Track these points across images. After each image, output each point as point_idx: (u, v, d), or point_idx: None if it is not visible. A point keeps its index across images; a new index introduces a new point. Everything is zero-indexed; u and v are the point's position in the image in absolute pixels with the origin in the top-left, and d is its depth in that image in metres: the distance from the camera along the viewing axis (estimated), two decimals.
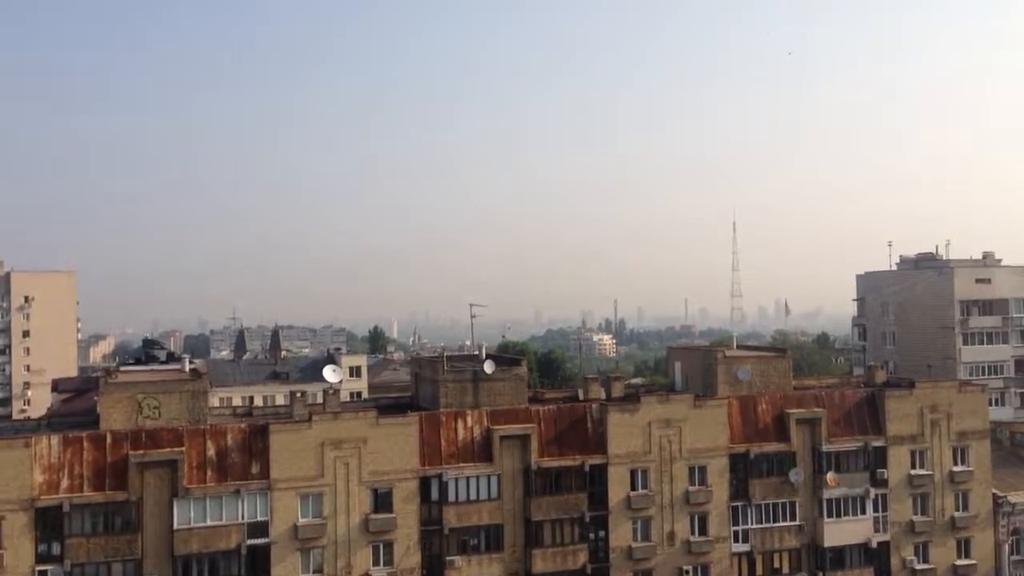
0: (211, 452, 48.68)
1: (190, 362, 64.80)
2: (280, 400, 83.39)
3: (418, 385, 61.94)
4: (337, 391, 57.72)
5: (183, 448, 47.95)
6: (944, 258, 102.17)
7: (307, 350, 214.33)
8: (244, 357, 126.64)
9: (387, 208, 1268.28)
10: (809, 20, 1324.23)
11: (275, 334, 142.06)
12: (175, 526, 47.28)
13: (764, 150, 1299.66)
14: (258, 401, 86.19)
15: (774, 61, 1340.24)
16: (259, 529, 48.58)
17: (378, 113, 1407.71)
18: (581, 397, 58.62)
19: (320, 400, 56.69)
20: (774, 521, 56.72)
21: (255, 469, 48.88)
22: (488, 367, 56.00)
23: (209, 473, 48.40)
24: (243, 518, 48.39)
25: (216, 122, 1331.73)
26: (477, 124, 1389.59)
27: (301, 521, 49.17)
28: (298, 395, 55.56)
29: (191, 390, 51.15)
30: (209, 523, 47.82)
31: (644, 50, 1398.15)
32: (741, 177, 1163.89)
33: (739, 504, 56.02)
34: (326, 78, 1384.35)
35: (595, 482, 53.59)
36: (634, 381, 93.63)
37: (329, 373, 63.19)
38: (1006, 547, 61.24)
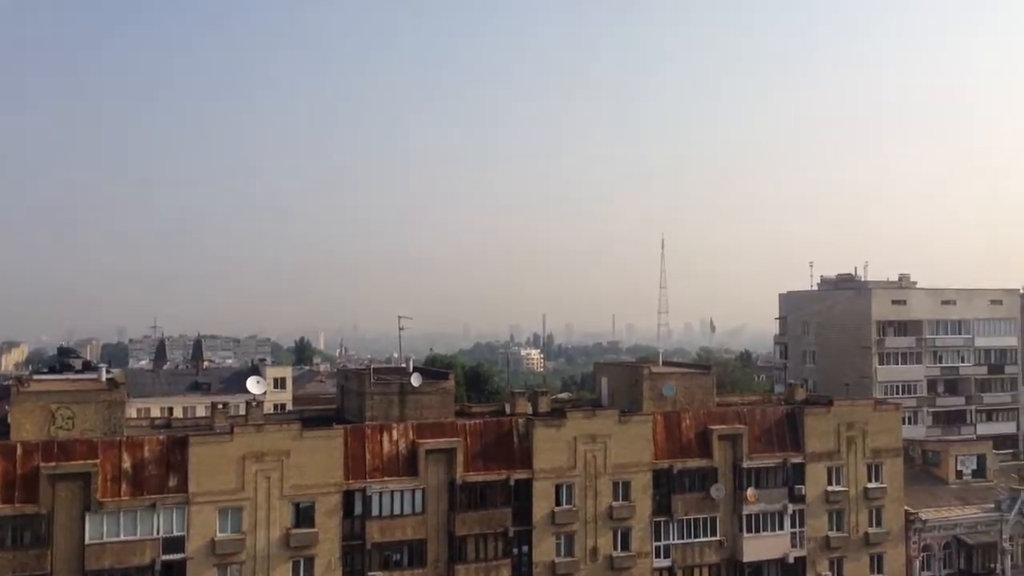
0: (127, 465, 47.37)
1: (107, 371, 63.10)
2: (201, 412, 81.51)
3: (344, 398, 61.30)
4: (260, 403, 56.68)
5: (97, 460, 46.54)
6: (862, 279, 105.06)
7: (230, 361, 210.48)
8: (164, 367, 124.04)
9: (316, 218, 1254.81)
10: (732, 49, 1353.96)
11: (197, 344, 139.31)
12: (87, 541, 45.84)
13: (693, 168, 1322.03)
14: (178, 413, 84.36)
15: (704, 81, 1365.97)
16: (175, 544, 47.35)
17: (335, 121, 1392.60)
18: (508, 412, 58.60)
19: (243, 412, 55.60)
20: (695, 536, 57.42)
21: (172, 482, 47.71)
22: (415, 380, 55.71)
23: (124, 486, 47.07)
24: (158, 533, 47.16)
25: (131, 122, 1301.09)
26: (412, 141, 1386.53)
27: (219, 536, 48.11)
28: (220, 407, 54.35)
29: (107, 400, 49.85)
30: (123, 538, 46.46)
31: (585, 67, 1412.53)
32: (669, 194, 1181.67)
33: (661, 519, 56.59)
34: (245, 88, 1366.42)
35: (520, 497, 53.60)
36: (561, 396, 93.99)
37: (252, 384, 62.09)
38: (917, 563, 63.03)
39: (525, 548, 53.64)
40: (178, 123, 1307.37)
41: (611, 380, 65.47)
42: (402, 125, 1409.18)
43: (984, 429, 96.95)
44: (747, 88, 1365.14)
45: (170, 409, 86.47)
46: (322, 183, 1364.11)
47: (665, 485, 56.71)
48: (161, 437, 49.30)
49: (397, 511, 51.47)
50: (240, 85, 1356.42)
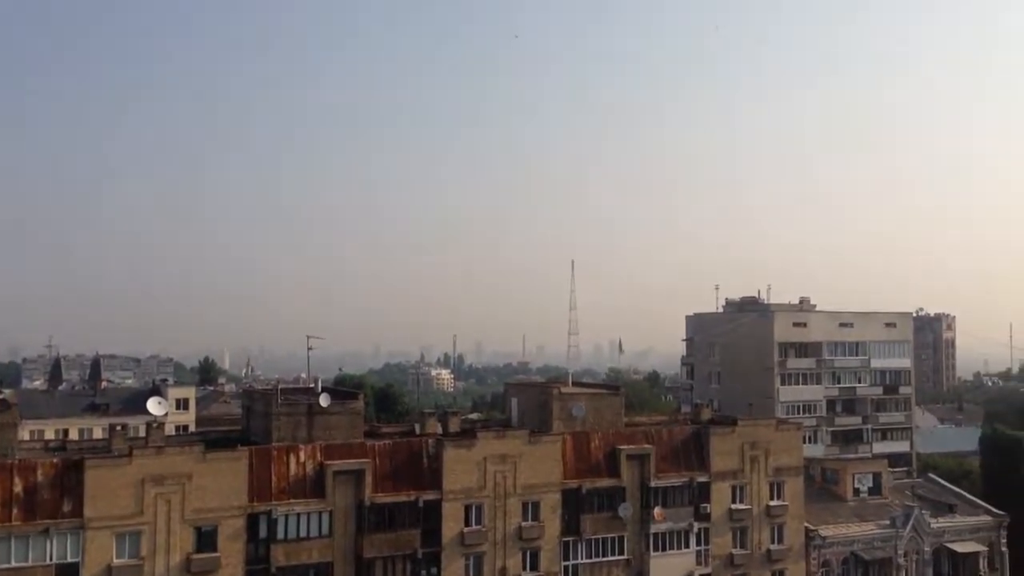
0: (18, 488, 45.38)
1: None
2: (99, 434, 78.94)
3: (250, 418, 60.03)
4: (161, 424, 55.26)
5: None
6: (765, 302, 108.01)
7: (130, 381, 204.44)
8: (59, 388, 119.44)
9: (215, 239, 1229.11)
10: (668, 78, 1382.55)
11: (95, 363, 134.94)
12: None
13: (602, 191, 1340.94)
14: (74, 434, 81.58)
15: (611, 99, 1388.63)
16: (69, 571, 45.50)
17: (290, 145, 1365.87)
18: (418, 432, 58.30)
19: (143, 434, 53.96)
20: (603, 555, 57.84)
21: (67, 507, 45.91)
22: (323, 400, 54.92)
23: (15, 511, 45.09)
24: (52, 559, 45.28)
25: (21, 148, 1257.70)
26: (318, 167, 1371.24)
27: (116, 562, 46.43)
28: (118, 428, 52.69)
29: None
30: (14, 564, 44.45)
31: (490, 87, 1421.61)
32: (580, 215, 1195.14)
33: (570, 539, 56.85)
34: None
35: (429, 518, 53.21)
36: (471, 416, 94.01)
37: (153, 405, 60.42)
38: None
39: (434, 570, 53.19)
40: (70, 129, 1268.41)
41: (521, 400, 65.70)
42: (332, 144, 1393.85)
43: (880, 448, 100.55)
44: (654, 108, 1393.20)
45: (65, 431, 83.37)
46: (229, 195, 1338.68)
47: (574, 505, 57.02)
48: (55, 460, 47.49)
49: (303, 534, 50.50)
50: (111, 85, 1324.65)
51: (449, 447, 54.40)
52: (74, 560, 45.67)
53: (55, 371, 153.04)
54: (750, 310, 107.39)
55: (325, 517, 51.06)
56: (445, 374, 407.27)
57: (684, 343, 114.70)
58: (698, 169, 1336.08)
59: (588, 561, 57.37)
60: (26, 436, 73.15)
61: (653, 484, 58.91)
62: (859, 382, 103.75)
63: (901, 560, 67.01)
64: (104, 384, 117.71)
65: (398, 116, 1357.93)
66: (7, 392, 70.41)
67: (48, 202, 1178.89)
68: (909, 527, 67.54)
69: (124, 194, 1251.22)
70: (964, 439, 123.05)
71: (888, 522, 67.95)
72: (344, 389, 71.94)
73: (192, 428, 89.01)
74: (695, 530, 60.06)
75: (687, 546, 59.87)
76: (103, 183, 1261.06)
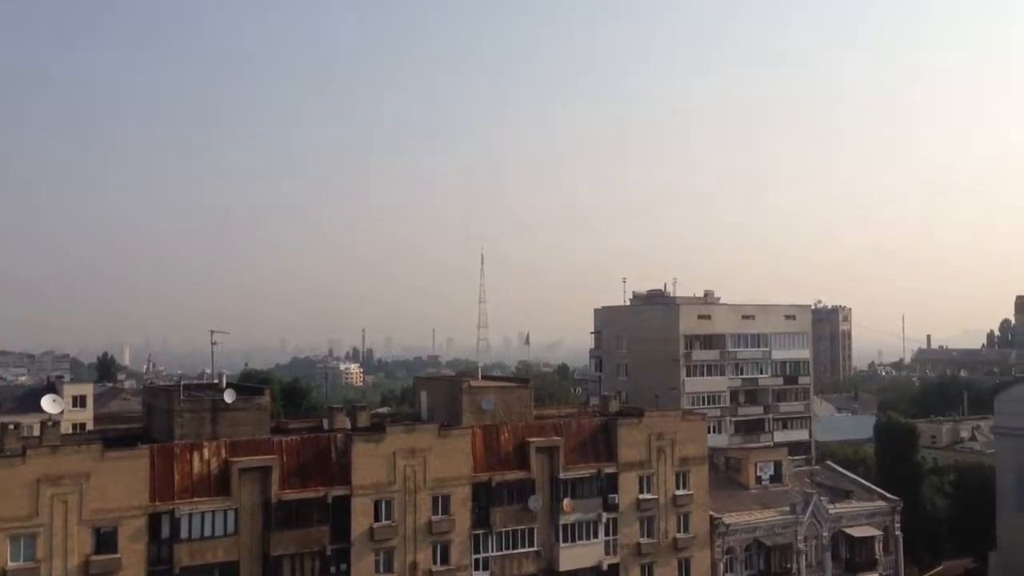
0: None
1: None
2: None
3: (151, 416, 58.37)
4: (57, 423, 53.29)
5: None
6: (671, 295, 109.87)
7: (24, 378, 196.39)
8: None
9: (114, 230, 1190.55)
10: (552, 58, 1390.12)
11: None
12: None
13: (512, 181, 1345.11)
14: None
15: (522, 89, 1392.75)
16: None
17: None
18: (326, 427, 57.53)
19: (37, 433, 51.94)
20: (514, 548, 58.11)
21: None
22: (228, 396, 53.72)
23: None
24: None
25: None
26: (225, 159, 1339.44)
27: (11, 565, 44.61)
28: (11, 427, 50.54)
29: None
30: None
31: (413, 70, 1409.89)
32: (489, 209, 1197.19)
33: (481, 532, 56.93)
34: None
35: (338, 514, 52.61)
36: (380, 411, 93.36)
37: (48, 403, 58.09)
38: (721, 565, 66.17)
39: (344, 566, 52.62)
40: None
41: (431, 394, 65.48)
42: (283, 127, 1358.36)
43: (780, 437, 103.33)
44: (567, 98, 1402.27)
45: None
46: (136, 181, 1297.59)
47: (484, 498, 57.10)
48: None
49: (208, 533, 49.36)
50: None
51: (358, 442, 53.89)
52: None
53: None
54: (657, 303, 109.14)
55: (231, 515, 50.00)
56: (354, 368, 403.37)
57: (592, 336, 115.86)
58: (607, 161, 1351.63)
59: (499, 554, 57.56)
60: None
61: (562, 476, 59.39)
62: (761, 373, 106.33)
63: (801, 545, 69.06)
64: None
65: (302, 108, 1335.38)
66: None
67: None
68: (808, 513, 69.61)
69: (16, 182, 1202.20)
70: (859, 427, 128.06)
71: (788, 509, 69.89)
72: (250, 385, 70.57)
73: (90, 426, 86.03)
74: (604, 520, 60.79)
75: (596, 536, 60.58)
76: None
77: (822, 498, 71.69)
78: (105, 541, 46.91)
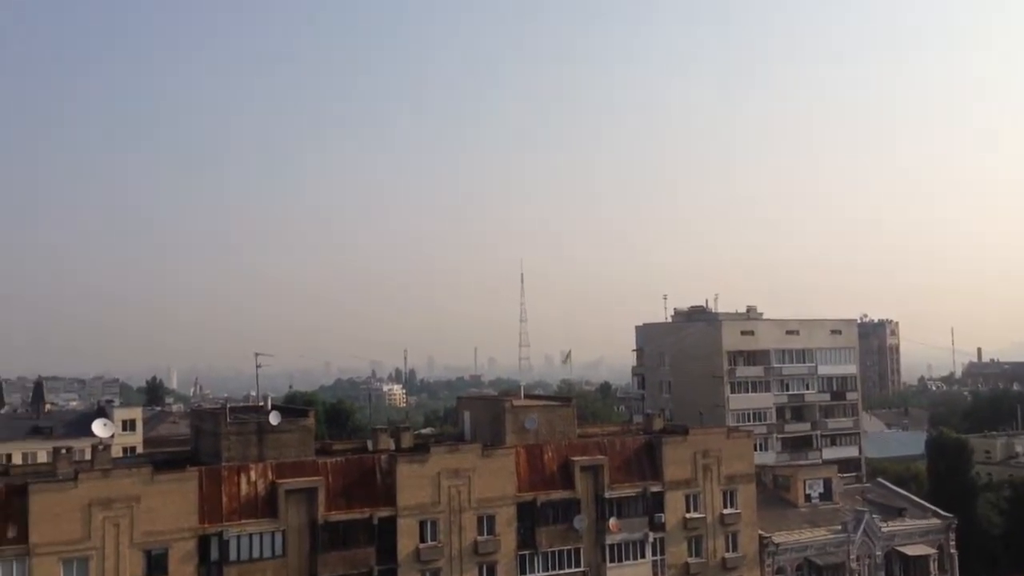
0: None
1: None
2: (43, 457, 76.99)
3: (199, 439, 59.01)
4: (108, 447, 54.05)
5: None
6: (713, 311, 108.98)
7: (75, 403, 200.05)
8: (1, 411, 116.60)
9: (165, 254, 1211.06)
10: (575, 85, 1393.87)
11: (37, 386, 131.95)
12: None
13: (553, 202, 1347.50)
14: (17, 459, 79.37)
15: (564, 107, 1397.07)
16: None
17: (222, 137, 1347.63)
18: (370, 448, 57.79)
19: (88, 457, 52.77)
20: (560, 568, 57.74)
21: (11, 533, 44.77)
22: (274, 418, 54.17)
23: None
24: None
25: None
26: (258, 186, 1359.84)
27: None
28: (63, 451, 51.42)
29: None
30: None
31: (425, 98, 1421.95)
32: (528, 227, 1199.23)
33: (526, 552, 56.67)
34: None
35: (384, 535, 52.71)
36: (424, 431, 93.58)
37: (99, 427, 59.13)
38: None
39: None
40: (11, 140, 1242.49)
41: (474, 414, 65.49)
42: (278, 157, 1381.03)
43: (829, 454, 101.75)
44: (597, 117, 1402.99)
45: (8, 456, 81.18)
46: (177, 213, 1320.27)
47: (529, 518, 56.89)
48: None
49: (256, 555, 49.74)
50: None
51: (402, 463, 54.02)
52: None
53: None
54: (698, 319, 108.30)
55: (278, 537, 50.35)
56: (397, 389, 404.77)
57: (634, 353, 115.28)
58: (641, 182, 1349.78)
59: (545, 574, 57.20)
60: None
61: (607, 495, 58.99)
62: (807, 389, 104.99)
63: (854, 564, 67.87)
64: (48, 407, 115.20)
65: (329, 133, 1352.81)
66: None
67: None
68: (860, 531, 68.44)
69: (64, 212, 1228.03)
70: (911, 443, 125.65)
71: (840, 527, 68.80)
72: (295, 407, 71.19)
73: (140, 450, 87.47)
74: (650, 540, 60.23)
75: (643, 556, 60.00)
76: (39, 199, 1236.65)
77: (874, 516, 70.46)
78: (156, 563, 47.46)
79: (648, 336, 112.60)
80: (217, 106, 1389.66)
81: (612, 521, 58.82)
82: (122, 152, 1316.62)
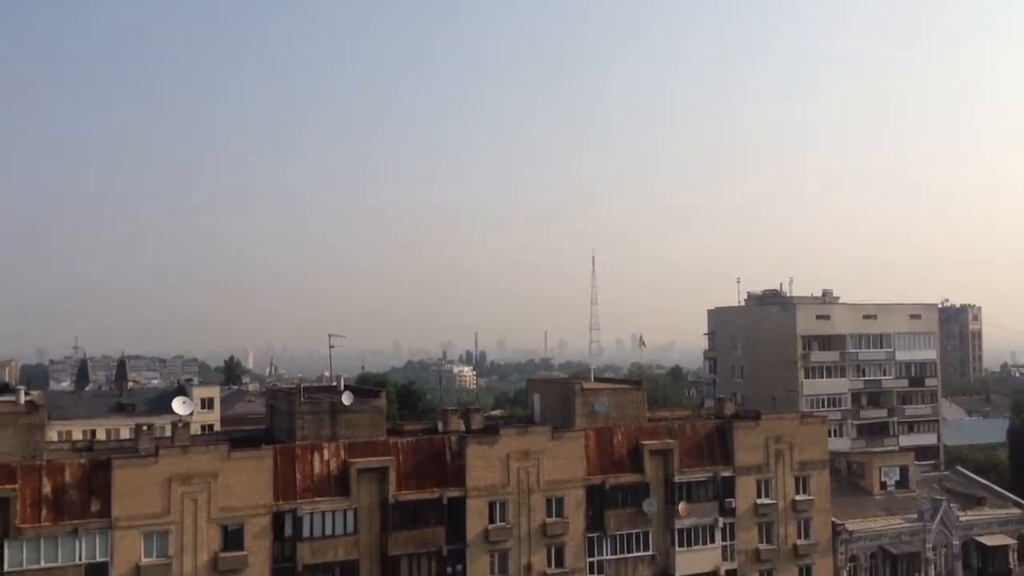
0: (47, 489, 45.83)
1: (26, 393, 61.11)
2: (125, 434, 79.40)
3: (273, 417, 60.31)
4: (187, 424, 55.53)
5: (16, 485, 44.95)
6: (788, 295, 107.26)
7: (156, 381, 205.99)
8: (86, 389, 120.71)
9: (241, 237, 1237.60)
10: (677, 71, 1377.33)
11: (121, 364, 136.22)
12: (6, 568, 44.15)
13: (623, 183, 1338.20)
14: (101, 435, 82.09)
15: (645, 98, 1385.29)
16: (98, 570, 45.92)
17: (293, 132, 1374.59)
18: (441, 429, 58.33)
19: (169, 434, 54.34)
20: (628, 551, 57.69)
21: (95, 507, 46.32)
22: (346, 399, 55.07)
23: (44, 511, 45.55)
24: (81, 559, 45.72)
25: (44, 152, 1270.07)
26: (333, 166, 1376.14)
27: (144, 561, 46.80)
28: (144, 428, 53.02)
29: (26, 423, 48.34)
30: (43, 564, 44.95)
31: (541, 78, 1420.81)
32: (600, 210, 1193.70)
33: (595, 535, 56.72)
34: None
35: (453, 515, 53.25)
36: (494, 413, 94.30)
37: (179, 405, 60.80)
38: (844, 573, 64.17)
39: (459, 567, 53.22)
40: (96, 127, 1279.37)
41: (544, 396, 65.61)
42: (348, 138, 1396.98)
43: (906, 441, 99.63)
44: (680, 107, 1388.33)
45: (92, 432, 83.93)
46: (251, 195, 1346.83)
47: (598, 501, 56.88)
48: (83, 460, 47.88)
49: (328, 532, 50.71)
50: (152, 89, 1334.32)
51: (472, 444, 54.44)
52: (103, 560, 46.09)
53: (82, 372, 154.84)
54: (772, 303, 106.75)
55: (350, 515, 51.24)
56: (467, 371, 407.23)
57: (706, 337, 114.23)
58: (716, 163, 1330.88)
59: (613, 557, 57.23)
60: (54, 437, 73.84)
61: (677, 479, 58.64)
62: (884, 374, 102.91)
63: (930, 554, 66.44)
64: (130, 384, 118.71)
65: (398, 113, 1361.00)
66: (35, 393, 70.95)
67: (70, 204, 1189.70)
68: (937, 520, 66.92)
69: (144, 196, 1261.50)
70: (991, 431, 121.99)
71: (916, 515, 67.39)
72: (367, 387, 72.11)
73: (217, 427, 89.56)
74: (720, 525, 59.77)
75: (712, 541, 59.58)
76: (122, 185, 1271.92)
77: (952, 505, 68.83)
78: (232, 538, 48.70)
79: (720, 320, 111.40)
80: (302, 92, 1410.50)
81: (682, 505, 58.48)
82: (201, 141, 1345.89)
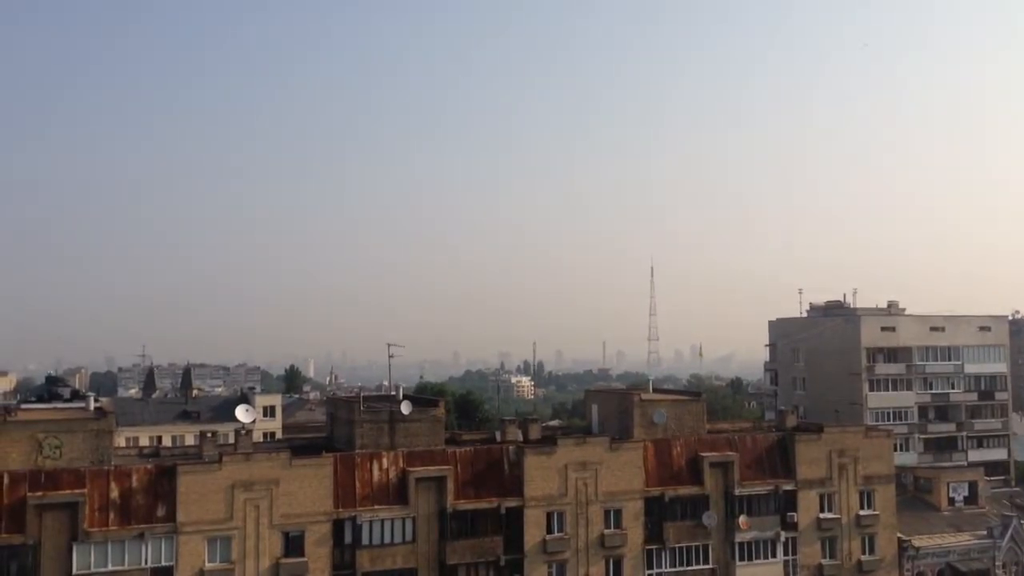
0: (114, 494, 46.96)
1: (95, 400, 62.86)
2: (190, 440, 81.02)
3: (334, 426, 61.00)
4: (250, 431, 56.46)
5: (84, 490, 46.16)
6: (851, 306, 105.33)
7: (220, 389, 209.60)
8: (153, 396, 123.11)
9: (304, 244, 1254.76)
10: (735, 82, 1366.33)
11: (186, 372, 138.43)
12: (74, 571, 45.32)
13: (682, 194, 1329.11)
14: (167, 441, 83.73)
15: (697, 108, 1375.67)
16: (163, 574, 46.87)
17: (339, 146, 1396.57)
18: (498, 439, 58.42)
19: (232, 441, 55.31)
20: (688, 564, 57.07)
21: (161, 512, 47.32)
22: (405, 408, 55.49)
23: (112, 516, 46.65)
24: (147, 563, 46.71)
25: (121, 156, 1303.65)
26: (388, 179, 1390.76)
27: (208, 566, 47.65)
28: (208, 435, 54.05)
29: (95, 429, 49.48)
30: (111, 568, 46.00)
31: (592, 90, 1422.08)
32: (659, 221, 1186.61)
33: (654, 547, 56.25)
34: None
35: (511, 525, 53.26)
36: (551, 423, 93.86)
37: (242, 413, 61.70)
38: None
39: None
40: (165, 143, 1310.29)
41: (601, 407, 65.33)
42: (405, 152, 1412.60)
43: (975, 456, 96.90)
44: (737, 118, 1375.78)
45: (159, 438, 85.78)
46: (312, 208, 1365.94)
47: (657, 513, 56.43)
48: (149, 466, 48.94)
49: (388, 540, 51.08)
50: (231, 98, 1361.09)
51: (530, 454, 54.41)
52: (168, 564, 47.01)
53: (149, 380, 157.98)
54: (835, 315, 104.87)
55: (408, 523, 51.55)
56: (525, 381, 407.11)
57: (767, 349, 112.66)
58: (778, 172, 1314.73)
59: (672, 570, 56.66)
60: (122, 443, 75.51)
61: (737, 492, 57.93)
62: (952, 388, 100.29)
63: (999, 572, 64.69)
64: (195, 392, 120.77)
65: (457, 129, 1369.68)
66: (104, 400, 72.89)
67: (137, 221, 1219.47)
68: (1008, 537, 65.12)
69: (207, 209, 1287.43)
70: None
71: (985, 532, 65.67)
72: (425, 397, 72.61)
73: (278, 435, 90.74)
74: (782, 539, 58.83)
75: (774, 556, 58.67)
76: (184, 197, 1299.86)
77: (1022, 522, 66.81)
78: (293, 544, 49.33)
79: (782, 331, 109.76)
80: (358, 105, 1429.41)
81: (742, 519, 57.72)
82: (258, 156, 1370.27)
